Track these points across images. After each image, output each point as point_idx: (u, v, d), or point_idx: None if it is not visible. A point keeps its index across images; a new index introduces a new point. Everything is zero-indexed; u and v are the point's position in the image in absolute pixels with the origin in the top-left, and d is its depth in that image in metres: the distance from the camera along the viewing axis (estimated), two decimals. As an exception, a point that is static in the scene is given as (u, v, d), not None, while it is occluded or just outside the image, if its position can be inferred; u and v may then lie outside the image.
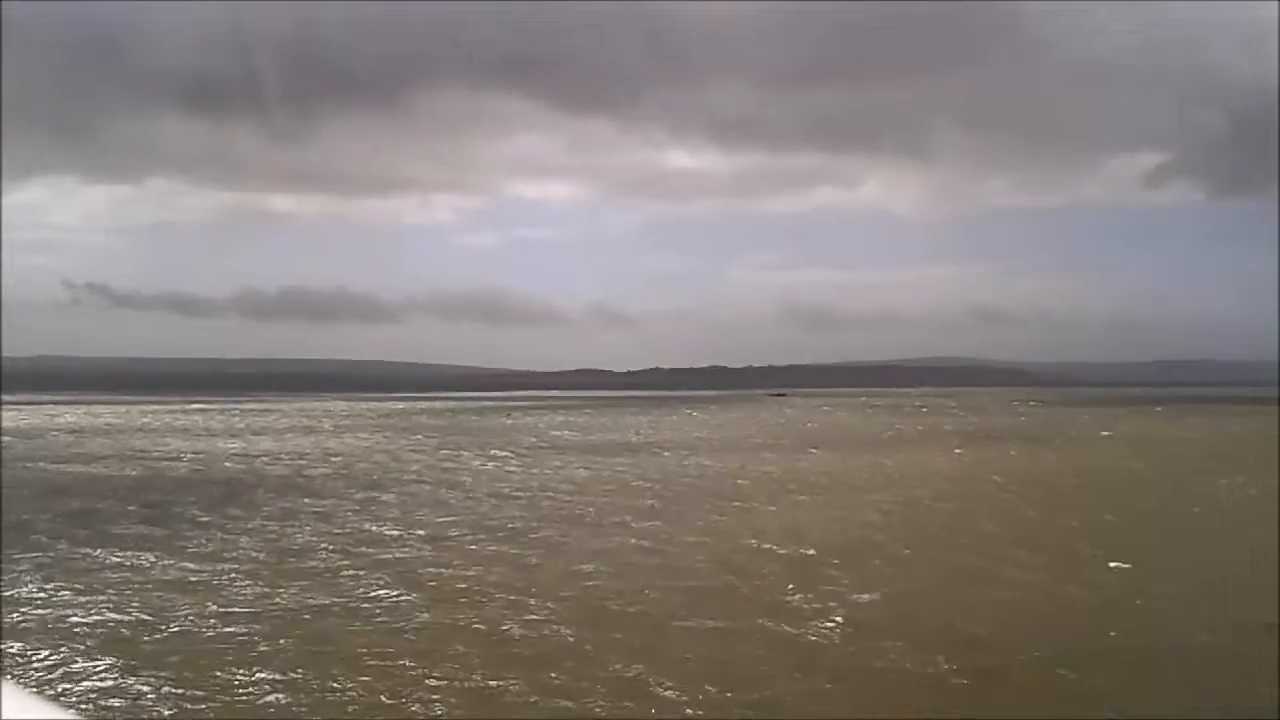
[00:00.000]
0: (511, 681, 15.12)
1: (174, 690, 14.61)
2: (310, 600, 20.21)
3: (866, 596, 20.59)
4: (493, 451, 58.59)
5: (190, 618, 18.71)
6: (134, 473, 46.61)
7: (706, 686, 14.84)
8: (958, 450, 59.46)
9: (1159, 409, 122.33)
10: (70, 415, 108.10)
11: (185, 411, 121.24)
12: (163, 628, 18.09)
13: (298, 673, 15.37)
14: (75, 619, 18.61)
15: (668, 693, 14.69)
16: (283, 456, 55.68)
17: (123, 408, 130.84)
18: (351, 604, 20.03)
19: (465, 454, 57.11)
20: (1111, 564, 23.66)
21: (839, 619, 18.57)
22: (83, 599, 20.16)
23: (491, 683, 15.11)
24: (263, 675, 15.27)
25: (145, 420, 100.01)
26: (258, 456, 55.72)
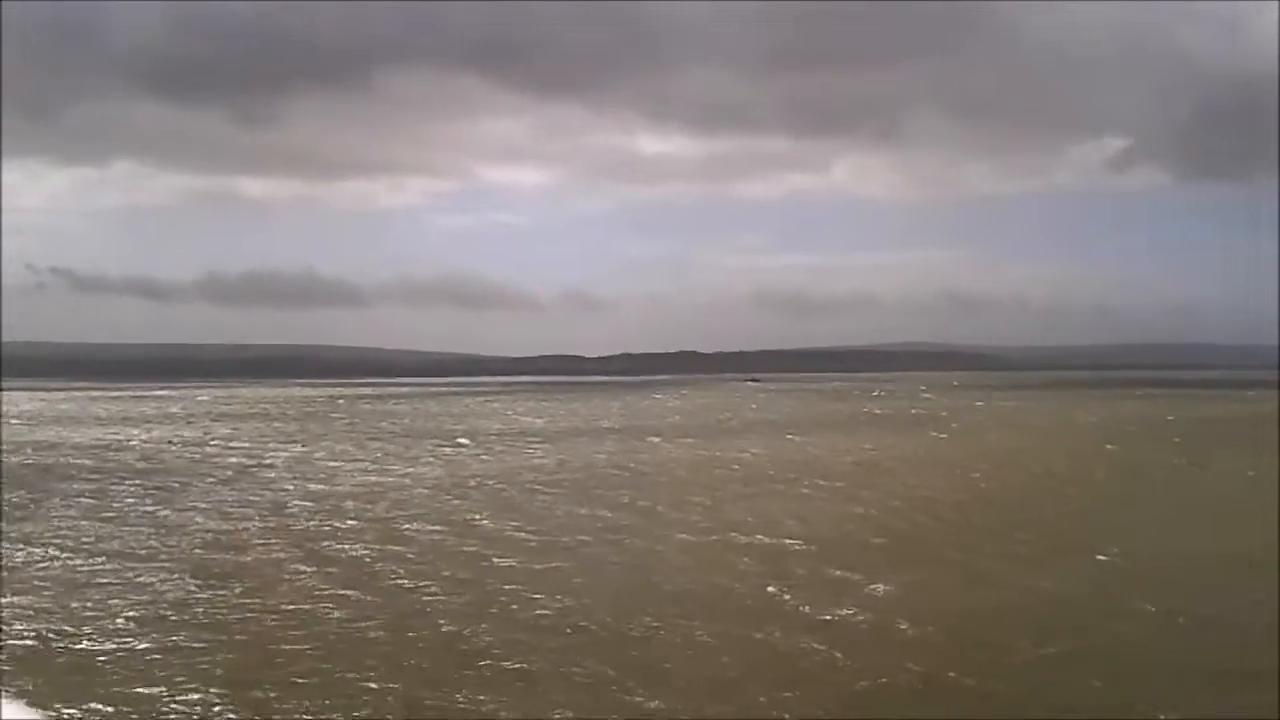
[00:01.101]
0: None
1: None
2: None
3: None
4: (459, 440, 56.68)
5: None
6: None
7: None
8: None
9: (1091, 391, 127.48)
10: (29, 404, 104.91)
11: (115, 398, 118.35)
12: None
13: None
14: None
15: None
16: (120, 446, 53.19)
17: (81, 394, 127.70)
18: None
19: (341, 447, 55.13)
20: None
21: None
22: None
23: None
24: None
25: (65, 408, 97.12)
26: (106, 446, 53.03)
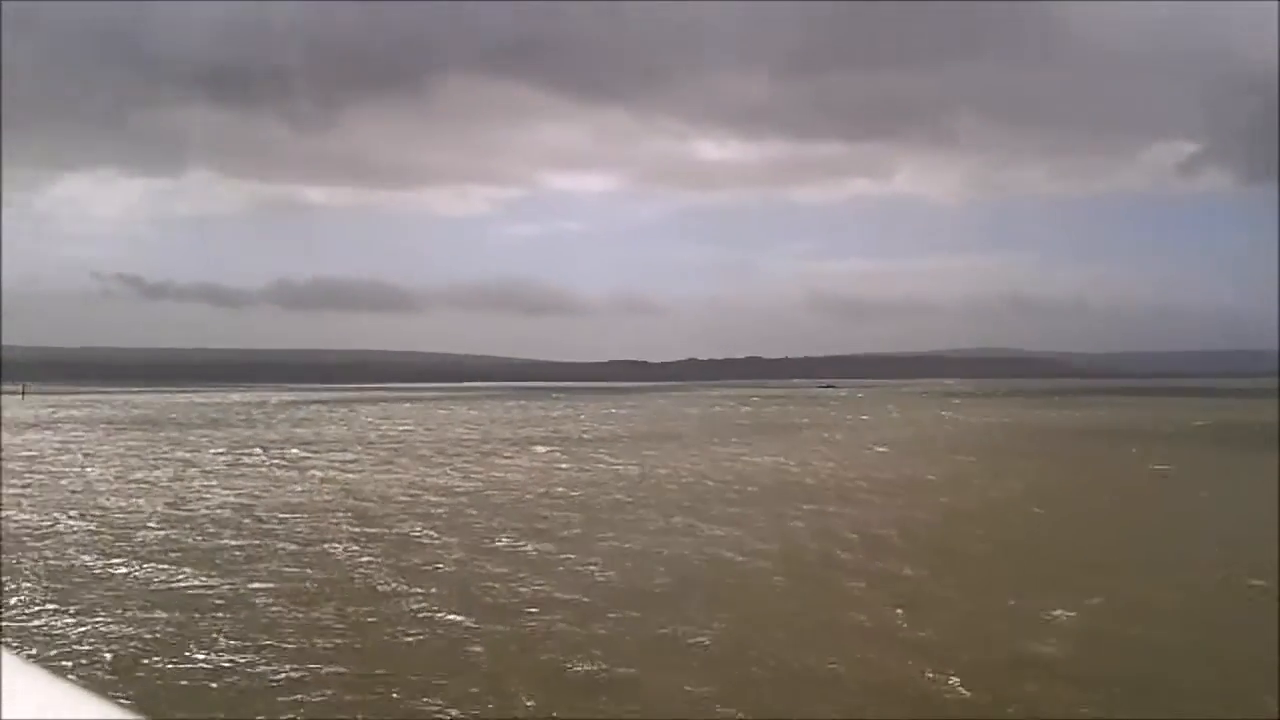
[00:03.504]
0: None
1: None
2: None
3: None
4: (536, 447, 54.49)
5: None
6: None
7: None
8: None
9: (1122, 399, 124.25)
10: (62, 410, 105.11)
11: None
12: None
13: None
14: None
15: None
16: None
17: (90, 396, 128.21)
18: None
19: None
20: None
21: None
22: None
23: None
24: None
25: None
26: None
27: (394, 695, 13.56)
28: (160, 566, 21.48)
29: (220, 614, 17.53)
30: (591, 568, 21.50)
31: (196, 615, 17.41)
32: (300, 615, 17.52)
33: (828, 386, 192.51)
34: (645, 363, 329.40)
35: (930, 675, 14.41)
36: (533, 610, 17.89)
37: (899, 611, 17.67)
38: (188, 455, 48.22)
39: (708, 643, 15.98)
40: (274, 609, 17.90)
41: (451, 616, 17.38)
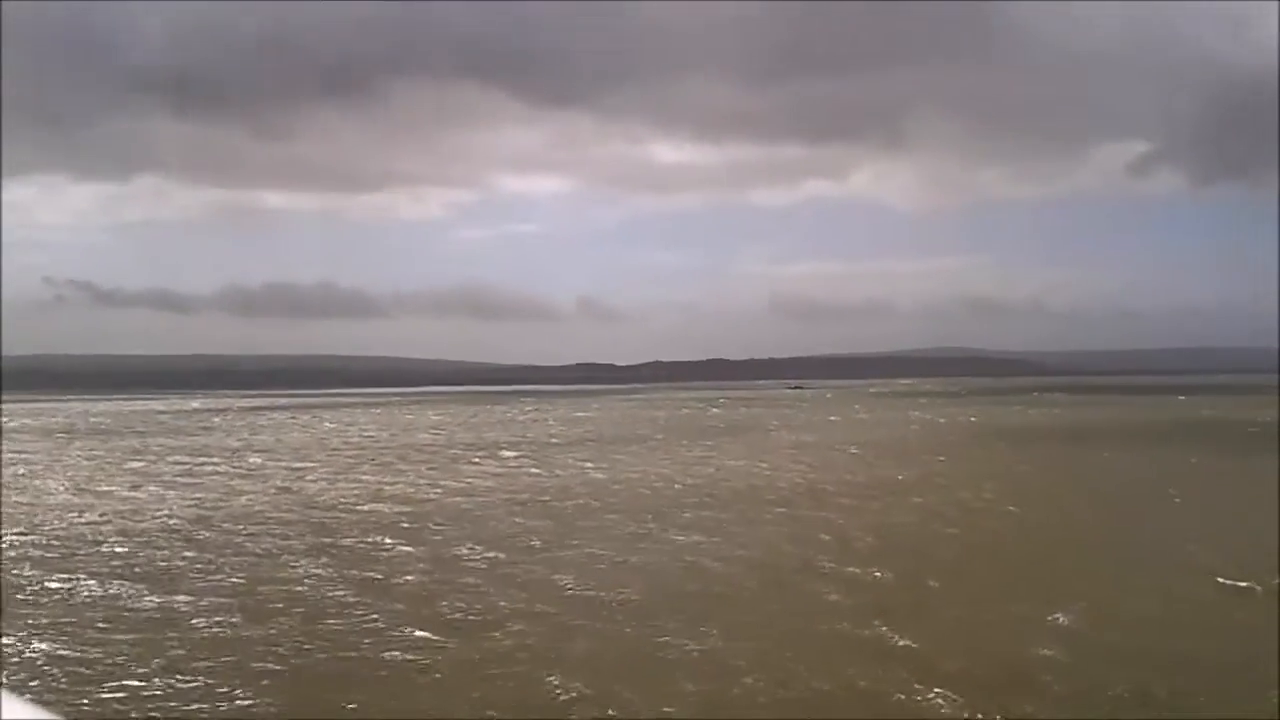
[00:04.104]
0: None
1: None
2: None
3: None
4: (502, 451, 53.61)
5: None
6: None
7: None
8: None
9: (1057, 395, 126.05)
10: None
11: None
12: None
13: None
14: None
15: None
16: None
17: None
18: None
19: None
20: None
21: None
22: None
23: None
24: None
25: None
26: None
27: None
28: (117, 582, 20.48)
29: (171, 631, 16.63)
30: (561, 578, 20.72)
31: (148, 635, 16.49)
32: (257, 632, 16.64)
33: (796, 387, 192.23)
34: (610, 365, 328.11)
35: (917, 687, 13.81)
36: (503, 624, 17.11)
37: (879, 624, 17.02)
38: (145, 465, 46.91)
39: (695, 655, 15.28)
40: (227, 625, 17.00)
41: (415, 632, 16.56)
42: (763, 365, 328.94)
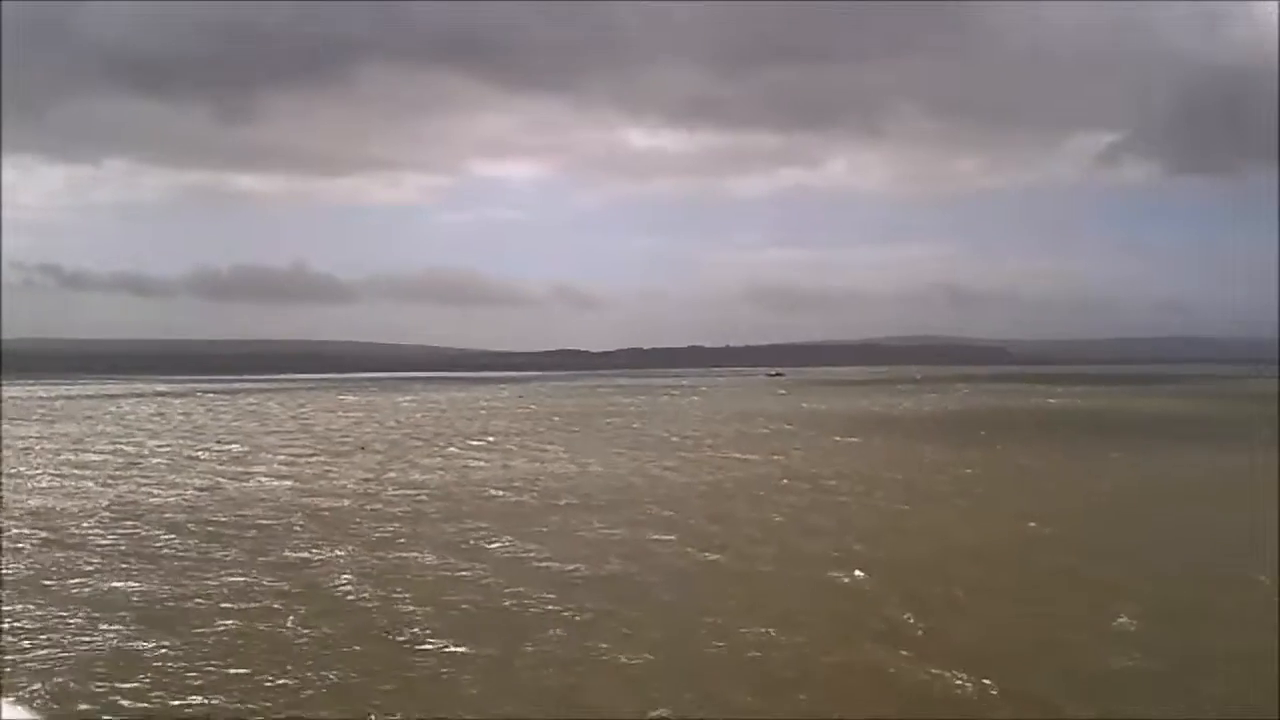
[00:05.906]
0: None
1: None
2: None
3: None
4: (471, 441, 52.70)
5: None
6: None
7: None
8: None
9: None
10: None
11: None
12: None
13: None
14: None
15: None
16: None
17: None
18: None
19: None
20: None
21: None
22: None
23: None
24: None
25: None
26: None
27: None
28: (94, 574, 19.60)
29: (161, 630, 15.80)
30: (567, 565, 20.02)
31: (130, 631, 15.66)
32: (263, 628, 15.85)
33: (777, 374, 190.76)
34: (587, 352, 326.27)
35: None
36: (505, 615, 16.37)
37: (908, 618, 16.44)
38: (124, 450, 45.62)
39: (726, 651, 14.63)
40: (224, 624, 16.19)
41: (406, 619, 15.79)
42: (739, 352, 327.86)
